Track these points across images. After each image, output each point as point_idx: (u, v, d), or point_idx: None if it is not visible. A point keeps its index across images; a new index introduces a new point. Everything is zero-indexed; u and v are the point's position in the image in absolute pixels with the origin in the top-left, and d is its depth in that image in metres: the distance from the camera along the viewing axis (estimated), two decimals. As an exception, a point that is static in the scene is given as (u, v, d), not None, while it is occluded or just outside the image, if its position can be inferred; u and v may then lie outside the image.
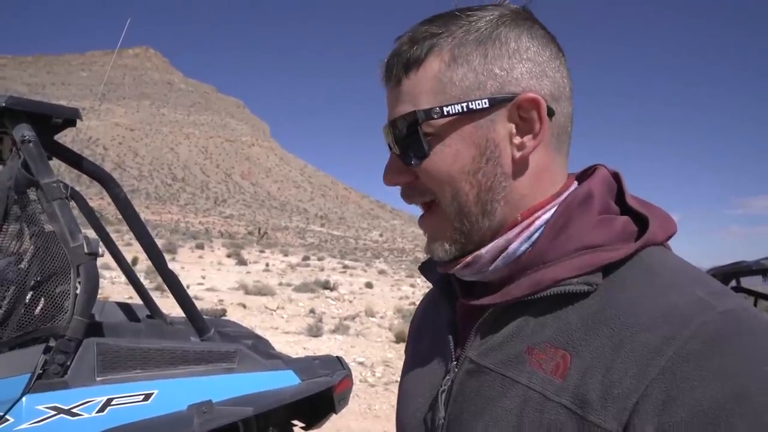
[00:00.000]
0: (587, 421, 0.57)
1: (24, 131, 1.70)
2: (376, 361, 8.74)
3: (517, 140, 0.67)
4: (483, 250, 0.69)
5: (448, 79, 0.66)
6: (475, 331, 0.70)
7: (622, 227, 0.66)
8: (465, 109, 0.65)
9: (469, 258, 0.69)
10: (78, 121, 1.95)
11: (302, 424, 2.65)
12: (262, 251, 34.49)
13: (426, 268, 0.87)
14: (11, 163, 1.70)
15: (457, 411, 0.70)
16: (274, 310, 13.48)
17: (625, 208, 0.70)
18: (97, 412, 1.64)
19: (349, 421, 6.17)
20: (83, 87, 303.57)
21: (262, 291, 15.84)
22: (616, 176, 0.74)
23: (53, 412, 1.58)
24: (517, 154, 0.67)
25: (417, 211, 0.81)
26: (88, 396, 1.64)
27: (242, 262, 25.60)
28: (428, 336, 0.85)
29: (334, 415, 2.43)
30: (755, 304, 5.00)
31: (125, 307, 2.81)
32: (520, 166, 0.68)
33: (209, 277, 18.41)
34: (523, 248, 0.68)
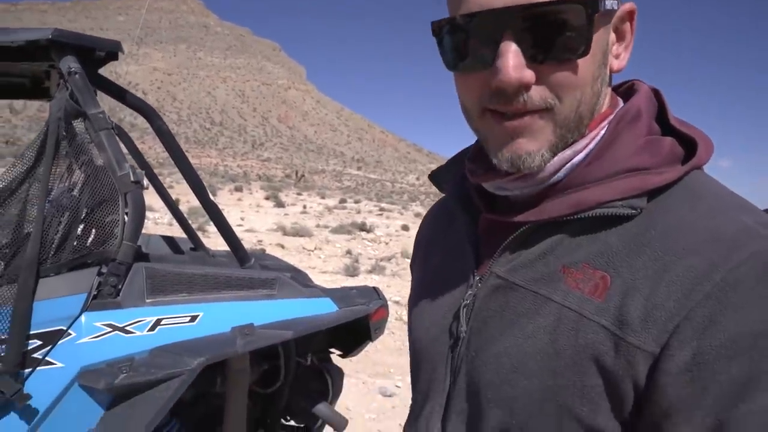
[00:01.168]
0: (626, 342, 0.57)
1: (70, 63, 1.75)
2: (411, 300, 8.94)
3: (614, 49, 0.67)
4: (553, 161, 0.65)
5: None
6: (504, 248, 0.69)
7: (669, 149, 0.65)
8: (611, 8, 0.62)
9: (535, 166, 0.65)
10: (120, 54, 1.99)
11: (339, 352, 2.76)
12: (299, 194, 34.93)
13: (438, 178, 0.85)
14: (59, 95, 1.76)
15: (480, 325, 0.69)
16: (312, 251, 13.78)
17: (666, 128, 0.69)
18: (148, 331, 1.75)
19: (384, 357, 6.38)
20: (121, 31, 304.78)
21: (299, 232, 16.15)
22: (656, 93, 0.72)
23: (109, 329, 1.69)
24: (615, 65, 0.67)
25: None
26: (139, 316, 1.75)
27: (280, 204, 26.03)
28: (442, 251, 0.84)
29: (370, 343, 2.52)
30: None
31: (169, 240, 2.92)
32: (610, 77, 0.68)
33: (248, 219, 18.84)
34: (580, 159, 0.66)
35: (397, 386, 5.45)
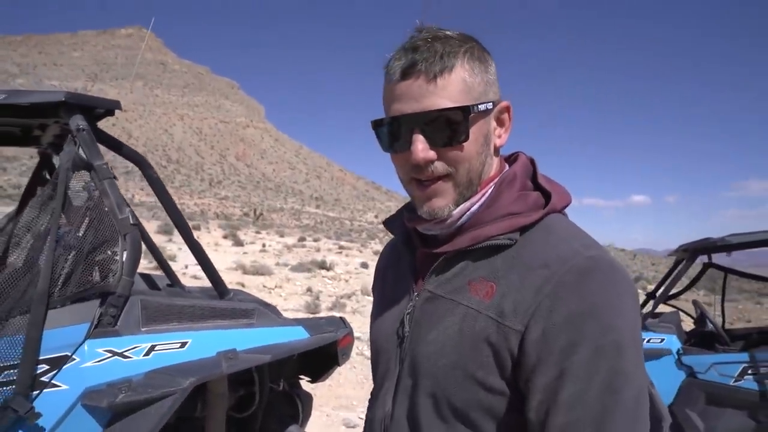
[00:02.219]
0: (504, 325, 0.88)
1: (78, 121, 2.00)
2: (372, 336, 9.11)
3: (497, 132, 0.99)
4: (455, 211, 0.97)
5: (470, 84, 0.91)
6: (432, 271, 1.00)
7: (534, 200, 0.97)
8: (485, 109, 0.93)
9: (445, 215, 0.97)
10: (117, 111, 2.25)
11: (308, 379, 2.99)
12: (258, 232, 34.68)
13: (390, 224, 1.18)
14: (68, 148, 2.00)
15: (417, 326, 1.00)
16: (272, 289, 13.82)
17: (536, 185, 1.02)
18: (144, 356, 1.97)
19: (347, 390, 6.55)
20: (75, 67, 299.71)
21: (259, 271, 16.14)
22: (532, 161, 1.06)
23: (109, 354, 1.90)
24: (497, 142, 0.99)
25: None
26: (135, 342, 1.97)
27: (239, 242, 25.83)
28: (393, 277, 1.16)
29: (338, 367, 2.77)
30: (724, 279, 5.34)
31: (146, 277, 3.12)
32: (495, 151, 1.00)
33: (210, 257, 18.64)
34: (476, 209, 0.98)
35: (360, 418, 5.62)
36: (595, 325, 0.83)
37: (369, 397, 1.20)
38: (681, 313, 5.05)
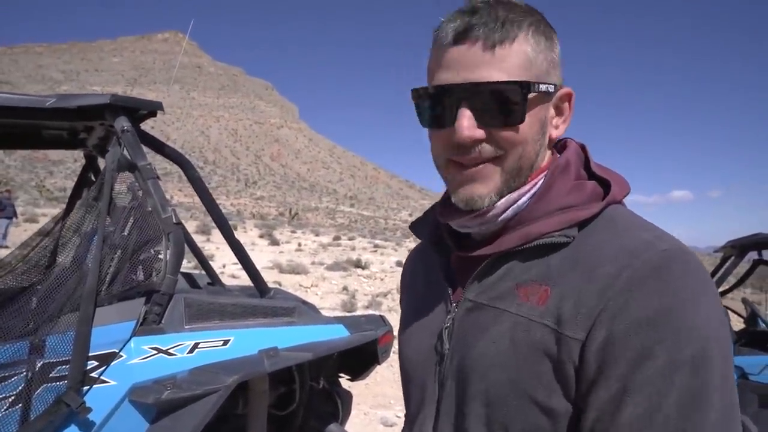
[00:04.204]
0: (564, 335, 0.73)
1: (123, 123, 2.04)
2: (408, 334, 9.09)
3: (555, 122, 0.86)
4: (501, 202, 0.83)
5: (533, 60, 0.79)
6: (473, 278, 0.86)
7: (591, 191, 0.83)
8: (546, 90, 0.80)
9: (485, 206, 0.82)
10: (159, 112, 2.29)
11: (348, 377, 3.00)
12: (293, 231, 35.07)
13: (416, 228, 1.03)
14: (113, 150, 2.04)
15: (460, 341, 0.85)
16: (309, 288, 13.94)
17: (590, 173, 0.88)
18: (187, 353, 2.00)
19: (385, 388, 6.55)
20: (115, 73, 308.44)
21: (295, 270, 16.30)
22: (583, 148, 0.92)
23: (154, 352, 1.94)
24: (554, 133, 0.86)
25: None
26: (179, 340, 2.00)
27: (275, 242, 26.18)
28: (423, 287, 1.00)
29: (377, 365, 2.76)
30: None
31: (188, 276, 3.17)
32: (550, 141, 0.87)
33: (245, 257, 18.92)
34: (525, 204, 0.84)
35: (397, 416, 5.62)
36: (673, 330, 0.68)
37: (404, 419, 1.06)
38: (729, 313, 4.88)
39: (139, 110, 2.18)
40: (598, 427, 0.71)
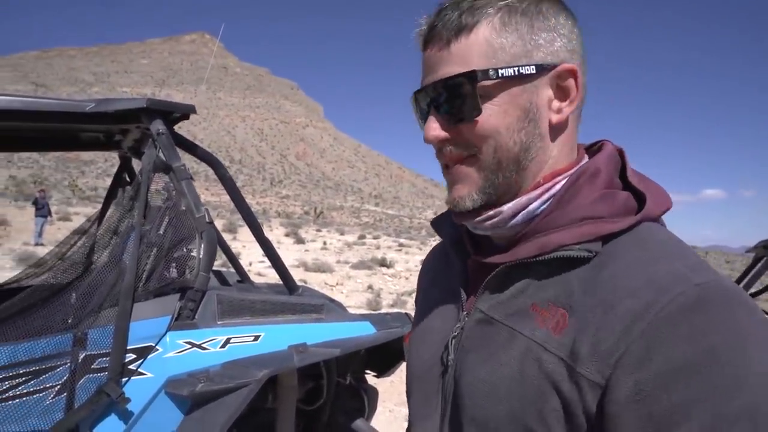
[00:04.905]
0: (576, 371, 0.64)
1: (159, 125, 2.12)
2: (433, 333, 9.13)
3: (555, 105, 0.75)
4: (505, 207, 0.76)
5: (498, 45, 0.72)
6: (485, 287, 0.78)
7: (623, 202, 0.73)
8: (516, 73, 0.72)
9: (491, 212, 0.77)
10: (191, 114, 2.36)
11: (374, 374, 3.04)
12: (318, 230, 35.32)
13: (438, 224, 0.96)
14: (149, 151, 2.12)
15: (464, 355, 0.78)
16: (334, 286, 14.06)
17: (626, 183, 0.78)
18: (220, 348, 2.07)
19: (409, 386, 6.58)
20: (144, 74, 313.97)
21: (321, 268, 16.46)
22: (620, 153, 0.81)
23: (188, 346, 2.01)
24: (554, 118, 0.75)
25: None
26: (212, 335, 2.07)
27: (300, 240, 26.43)
28: (439, 288, 0.93)
29: (404, 363, 2.80)
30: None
31: (218, 274, 3.26)
32: (553, 130, 0.76)
33: (271, 255, 19.15)
34: (541, 208, 0.76)
35: (422, 414, 5.64)
36: (713, 380, 0.57)
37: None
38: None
39: (173, 113, 2.26)
40: None
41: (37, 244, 17.86)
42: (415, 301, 1.05)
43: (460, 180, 0.77)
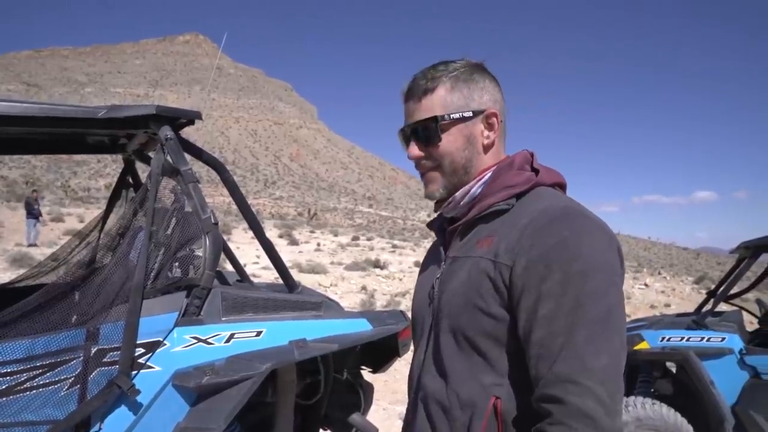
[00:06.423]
0: (498, 262, 1.15)
1: (167, 131, 2.22)
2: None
3: (485, 134, 1.29)
4: (457, 194, 1.30)
5: (449, 100, 1.25)
6: (454, 239, 1.32)
7: (527, 177, 1.26)
8: (461, 116, 1.26)
9: (450, 199, 1.30)
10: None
11: (370, 369, 3.15)
12: (312, 231, 35.34)
13: (430, 224, 1.48)
14: (157, 156, 2.23)
15: (442, 284, 1.29)
16: (328, 287, 14.16)
17: (534, 171, 1.29)
18: (224, 343, 2.17)
19: (402, 385, 6.69)
20: (138, 75, 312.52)
21: (315, 269, 16.56)
22: (531, 154, 1.32)
23: (194, 341, 2.11)
24: (485, 142, 1.29)
25: None
26: (217, 330, 2.17)
27: (294, 242, 26.49)
28: (431, 259, 1.45)
29: (398, 358, 2.91)
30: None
31: (218, 273, 3.35)
32: (485, 148, 1.30)
33: (263, 257, 19.14)
34: (479, 191, 1.28)
35: (415, 412, 5.75)
36: (563, 255, 1.07)
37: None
38: (744, 313, 4.93)
39: (180, 119, 2.36)
40: (526, 326, 1.09)
41: (30, 245, 17.86)
42: (418, 275, 1.53)
43: (431, 181, 1.31)
